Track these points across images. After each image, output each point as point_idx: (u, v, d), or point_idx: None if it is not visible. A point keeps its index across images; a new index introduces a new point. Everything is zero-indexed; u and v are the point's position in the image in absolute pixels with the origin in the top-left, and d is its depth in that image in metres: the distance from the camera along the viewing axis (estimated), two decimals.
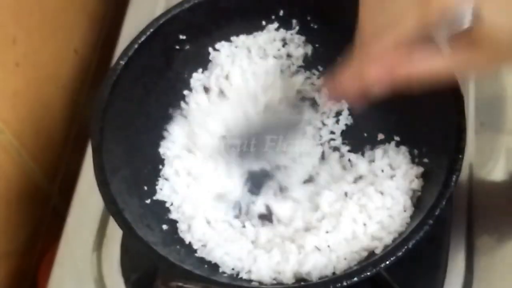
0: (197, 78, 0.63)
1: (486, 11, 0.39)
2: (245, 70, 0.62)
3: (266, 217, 0.57)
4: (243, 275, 0.52)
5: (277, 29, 0.63)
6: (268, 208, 0.57)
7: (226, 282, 0.50)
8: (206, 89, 0.62)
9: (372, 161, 0.57)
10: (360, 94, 0.46)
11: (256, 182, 0.59)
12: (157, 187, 0.58)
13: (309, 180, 0.58)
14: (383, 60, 0.43)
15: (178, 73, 0.62)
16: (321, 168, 0.58)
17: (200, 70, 0.63)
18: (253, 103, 0.61)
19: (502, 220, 0.59)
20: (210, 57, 0.63)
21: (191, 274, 0.48)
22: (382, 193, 0.54)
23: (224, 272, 0.52)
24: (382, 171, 0.56)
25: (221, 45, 0.63)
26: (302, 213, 0.56)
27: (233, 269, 0.52)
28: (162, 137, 0.61)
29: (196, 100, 0.62)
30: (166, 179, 0.59)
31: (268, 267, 0.52)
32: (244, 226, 0.56)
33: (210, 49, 0.63)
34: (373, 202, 0.54)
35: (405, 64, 0.43)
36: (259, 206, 0.57)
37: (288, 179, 0.58)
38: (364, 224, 0.53)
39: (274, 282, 0.51)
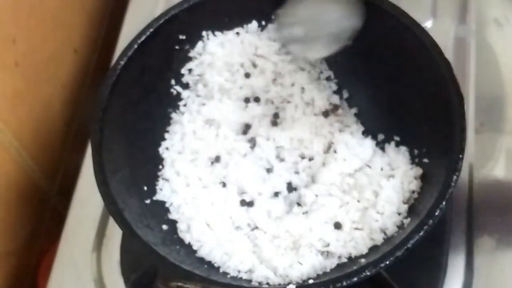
0: (197, 78, 0.63)
1: None
2: (245, 69, 0.63)
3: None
4: (243, 275, 0.52)
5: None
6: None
7: (226, 282, 0.50)
8: (205, 88, 0.62)
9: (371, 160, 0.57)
10: None
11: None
12: (157, 187, 0.58)
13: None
14: None
15: (178, 73, 0.62)
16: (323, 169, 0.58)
17: (200, 70, 0.63)
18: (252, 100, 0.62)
19: (502, 220, 0.59)
20: (210, 58, 0.62)
21: (191, 274, 0.48)
22: (381, 193, 0.54)
23: (224, 272, 0.52)
24: (382, 169, 0.57)
25: (221, 45, 0.63)
26: (299, 211, 0.56)
27: (233, 269, 0.52)
28: (162, 137, 0.61)
29: (195, 100, 0.62)
30: (166, 179, 0.59)
31: (267, 267, 0.52)
32: (243, 228, 0.56)
33: (210, 49, 0.63)
34: (371, 202, 0.54)
35: None
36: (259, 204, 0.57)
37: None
38: (361, 227, 0.54)
39: (274, 281, 0.51)
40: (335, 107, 0.61)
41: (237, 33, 0.63)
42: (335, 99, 0.62)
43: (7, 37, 0.63)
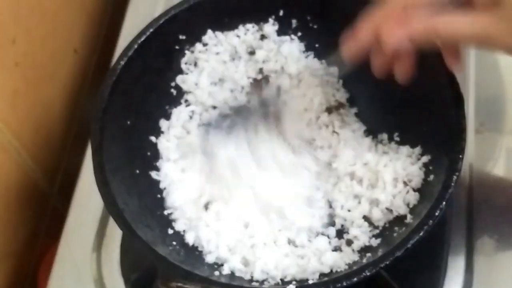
0: (196, 79, 0.63)
1: None
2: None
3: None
4: (244, 275, 0.52)
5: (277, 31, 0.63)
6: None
7: (226, 282, 0.50)
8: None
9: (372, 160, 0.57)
10: (374, 47, 0.48)
11: None
12: (157, 187, 0.58)
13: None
14: (402, 15, 0.45)
15: (178, 73, 0.62)
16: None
17: (199, 70, 0.63)
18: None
19: (502, 220, 0.59)
20: (210, 58, 0.62)
21: (191, 274, 0.48)
22: (380, 193, 0.54)
23: (224, 272, 0.52)
24: (381, 169, 0.56)
25: (220, 45, 0.63)
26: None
27: (233, 268, 0.52)
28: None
29: (195, 99, 0.62)
30: (166, 179, 0.59)
31: (270, 265, 0.52)
32: (244, 225, 0.56)
33: (209, 50, 0.63)
34: (370, 201, 0.54)
35: (424, 20, 0.44)
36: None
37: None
38: (360, 225, 0.54)
39: (276, 281, 0.51)
40: (340, 105, 0.61)
41: (238, 34, 0.63)
42: (340, 97, 0.62)
43: (7, 37, 0.63)
